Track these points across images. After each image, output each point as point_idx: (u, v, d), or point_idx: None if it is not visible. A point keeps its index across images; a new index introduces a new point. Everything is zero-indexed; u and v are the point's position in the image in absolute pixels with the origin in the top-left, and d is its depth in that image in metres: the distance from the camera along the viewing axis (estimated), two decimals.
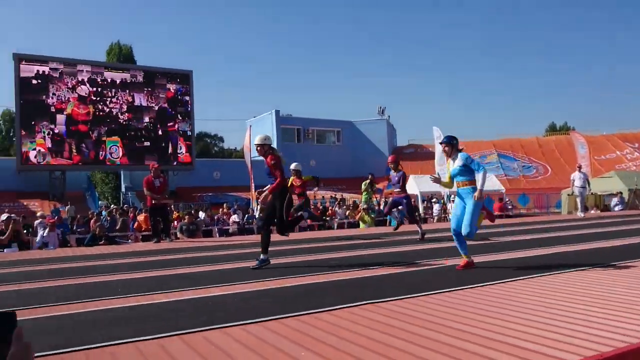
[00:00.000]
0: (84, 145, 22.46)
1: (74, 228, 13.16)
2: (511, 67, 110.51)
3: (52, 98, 21.97)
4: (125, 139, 23.32)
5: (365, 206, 14.22)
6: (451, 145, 5.79)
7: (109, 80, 23.25)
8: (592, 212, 18.20)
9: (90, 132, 22.64)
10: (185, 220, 12.68)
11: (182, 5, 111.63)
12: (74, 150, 22.27)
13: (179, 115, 24.88)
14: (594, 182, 18.96)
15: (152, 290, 4.84)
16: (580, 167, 16.44)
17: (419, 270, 5.67)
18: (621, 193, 19.77)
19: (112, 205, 19.48)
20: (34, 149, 21.44)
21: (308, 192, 10.89)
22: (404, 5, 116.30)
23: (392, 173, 9.69)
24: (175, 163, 24.29)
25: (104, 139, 22.93)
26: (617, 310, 3.44)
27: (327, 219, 16.32)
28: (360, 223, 14.74)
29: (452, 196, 19.14)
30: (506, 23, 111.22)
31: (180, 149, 24.76)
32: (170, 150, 24.47)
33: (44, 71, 21.89)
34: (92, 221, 13.01)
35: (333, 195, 25.91)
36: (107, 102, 23.14)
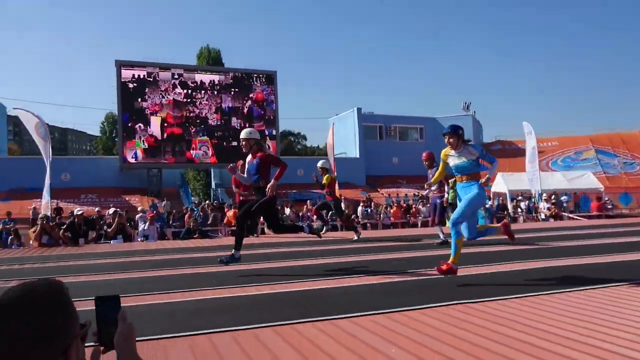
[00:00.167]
0: (177, 145, 23.82)
1: (170, 222, 14.06)
2: (608, 58, 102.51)
3: (148, 101, 23.52)
4: (214, 138, 24.44)
5: (451, 202, 13.88)
6: (457, 135, 5.18)
7: (199, 82, 24.49)
8: None
9: (183, 133, 23.97)
10: None
11: (264, 8, 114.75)
12: (169, 150, 23.71)
13: (264, 115, 25.68)
14: None
15: (245, 283, 5.07)
16: None
17: (501, 272, 5.48)
18: None
19: (206, 202, 20.51)
20: (133, 149, 23.08)
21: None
22: None
23: (429, 171, 9.02)
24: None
25: (195, 139, 24.17)
26: None
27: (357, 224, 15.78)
28: (447, 222, 14.38)
29: (544, 195, 18.14)
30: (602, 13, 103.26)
31: (266, 146, 25.60)
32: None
33: (140, 75, 23.49)
34: (186, 216, 13.81)
35: (416, 193, 25.52)
36: (198, 104, 24.38)
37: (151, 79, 23.58)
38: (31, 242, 11.31)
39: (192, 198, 27.54)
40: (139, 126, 23.21)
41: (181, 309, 3.99)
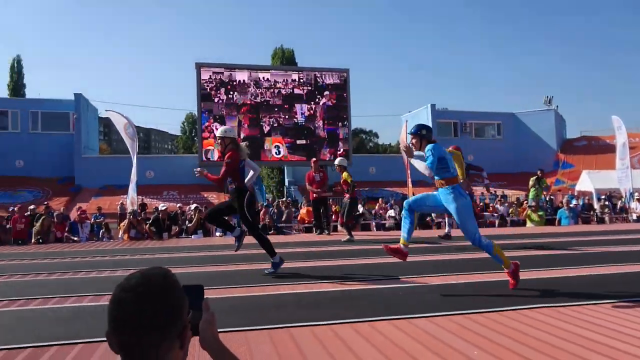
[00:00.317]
0: (252, 143, 24.53)
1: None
2: None
3: (225, 101, 24.35)
4: (287, 136, 24.89)
5: (533, 203, 13.30)
6: (419, 136, 4.74)
7: (273, 82, 25.04)
8: None
9: (258, 131, 24.62)
10: None
11: (336, 7, 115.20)
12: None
13: (336, 113, 25.81)
14: None
15: (322, 279, 5.15)
16: None
17: (595, 275, 5.16)
18: None
19: (280, 199, 20.96)
20: (210, 148, 24.02)
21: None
22: None
23: None
24: (333, 158, 25.28)
25: (268, 137, 24.74)
26: None
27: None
28: (527, 221, 13.78)
29: (637, 194, 16.88)
30: None
31: (338, 145, 25.68)
32: (328, 147, 25.53)
33: (218, 76, 24.38)
34: (261, 212, 14.18)
35: (493, 192, 24.61)
36: (272, 103, 24.94)
37: (228, 80, 24.41)
38: (120, 235, 12.11)
39: (267, 195, 28.21)
40: (216, 126, 24.12)
41: (260, 303, 4.12)
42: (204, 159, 23.95)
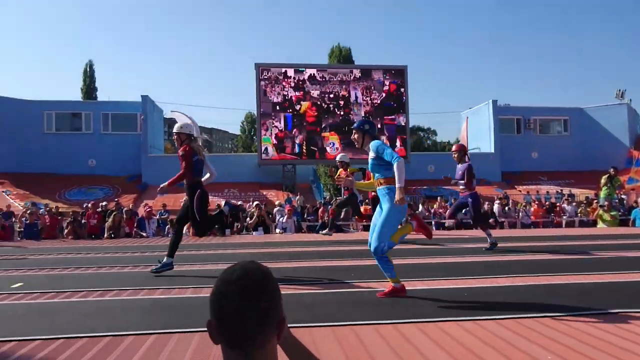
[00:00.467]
0: (309, 142, 24.71)
1: (305, 216, 14.65)
2: None
3: (284, 101, 24.70)
4: (343, 134, 24.92)
5: (605, 203, 12.61)
6: (361, 131, 4.45)
7: (331, 80, 25.13)
8: None
9: (315, 130, 24.80)
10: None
11: (393, 5, 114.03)
12: (304, 146, 24.71)
13: (394, 110, 25.57)
14: None
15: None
16: None
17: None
18: None
19: (337, 197, 21.01)
20: (268, 146, 24.42)
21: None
22: None
23: (458, 166, 7.98)
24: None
25: (325, 135, 24.86)
26: None
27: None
28: (599, 222, 13.08)
29: None
30: None
31: (396, 143, 25.44)
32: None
33: (277, 76, 24.75)
34: (320, 210, 14.30)
35: (559, 191, 23.58)
36: (329, 102, 25.04)
37: (286, 79, 24.74)
38: (184, 231, 12.56)
39: (324, 193, 28.38)
40: (275, 125, 24.50)
41: (322, 301, 4.15)
42: (263, 157, 24.43)
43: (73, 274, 5.84)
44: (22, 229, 12.42)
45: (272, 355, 1.14)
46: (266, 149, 24.39)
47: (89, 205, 13.50)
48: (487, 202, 16.08)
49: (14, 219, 13.43)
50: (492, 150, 28.92)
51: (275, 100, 24.59)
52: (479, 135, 29.22)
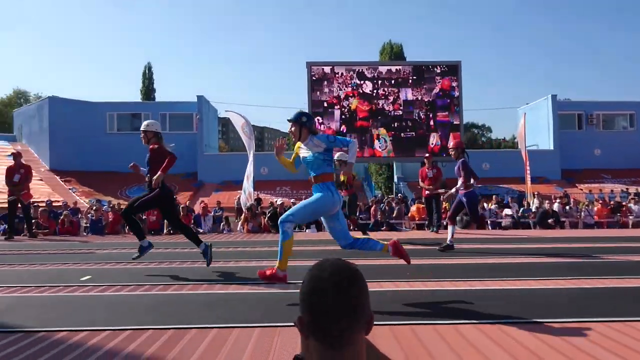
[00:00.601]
0: (361, 139, 24.63)
1: (358, 214, 14.60)
2: None
3: (334, 99, 24.73)
4: (394, 131, 24.67)
5: None
6: (299, 124, 4.33)
7: (382, 78, 24.94)
8: None
9: (367, 127, 24.69)
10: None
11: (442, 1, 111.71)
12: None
13: (447, 107, 25.07)
14: None
15: (441, 277, 5.04)
16: None
17: None
18: None
19: (389, 195, 20.88)
20: None
21: None
22: None
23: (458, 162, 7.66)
24: (444, 154, 24.61)
25: (376, 133, 24.69)
26: None
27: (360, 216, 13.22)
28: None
29: None
30: None
31: (449, 139, 24.94)
32: (439, 142, 24.91)
33: (328, 74, 24.82)
34: (372, 208, 14.23)
35: (625, 189, 22.38)
36: (380, 99, 24.85)
37: (336, 76, 24.76)
38: (239, 228, 12.84)
39: (376, 192, 28.23)
40: (326, 123, 24.58)
41: (382, 299, 4.13)
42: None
43: (136, 268, 6.09)
44: (87, 225, 13.07)
45: (361, 352, 1.14)
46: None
47: None
48: (546, 201, 15.50)
49: (79, 215, 14.16)
50: (552, 147, 27.84)
51: (325, 98, 24.68)
52: (537, 131, 28.18)
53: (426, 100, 24.90)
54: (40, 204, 14.11)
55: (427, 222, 11.59)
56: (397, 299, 4.08)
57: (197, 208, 15.14)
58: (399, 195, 21.00)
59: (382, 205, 14.37)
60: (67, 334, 3.21)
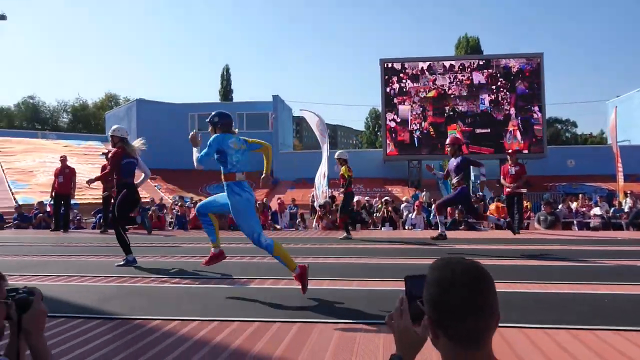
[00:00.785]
0: (434, 137, 24.11)
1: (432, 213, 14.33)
2: None
3: (408, 96, 24.38)
4: (469, 126, 23.92)
5: None
6: (212, 124, 4.44)
7: (458, 72, 24.24)
8: None
9: (441, 124, 24.15)
10: (543, 210, 12.10)
11: None
12: (425, 143, 24.20)
13: (529, 101, 23.93)
14: None
15: (526, 279, 4.86)
16: None
17: None
18: None
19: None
20: (392, 142, 24.27)
21: None
22: None
23: (452, 160, 7.85)
24: (525, 151, 23.53)
25: (450, 125, 24.06)
26: None
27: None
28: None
29: None
30: None
31: (532, 135, 23.81)
32: (519, 138, 23.86)
33: (400, 71, 24.50)
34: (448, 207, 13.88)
35: None
36: (455, 95, 24.17)
37: (411, 73, 24.41)
38: (314, 225, 13.02)
39: (451, 190, 27.50)
40: (399, 121, 24.31)
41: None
42: (388, 153, 24.40)
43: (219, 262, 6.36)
44: (172, 220, 13.80)
45: (491, 352, 1.13)
46: (393, 146, 24.30)
47: None
48: (638, 200, 14.40)
49: (165, 211, 14.98)
50: None
51: (398, 95, 24.40)
52: (629, 125, 26.27)
53: (504, 94, 23.93)
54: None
55: (505, 222, 11.13)
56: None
57: (274, 205, 15.52)
58: (478, 194, 20.32)
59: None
60: (160, 322, 3.43)
